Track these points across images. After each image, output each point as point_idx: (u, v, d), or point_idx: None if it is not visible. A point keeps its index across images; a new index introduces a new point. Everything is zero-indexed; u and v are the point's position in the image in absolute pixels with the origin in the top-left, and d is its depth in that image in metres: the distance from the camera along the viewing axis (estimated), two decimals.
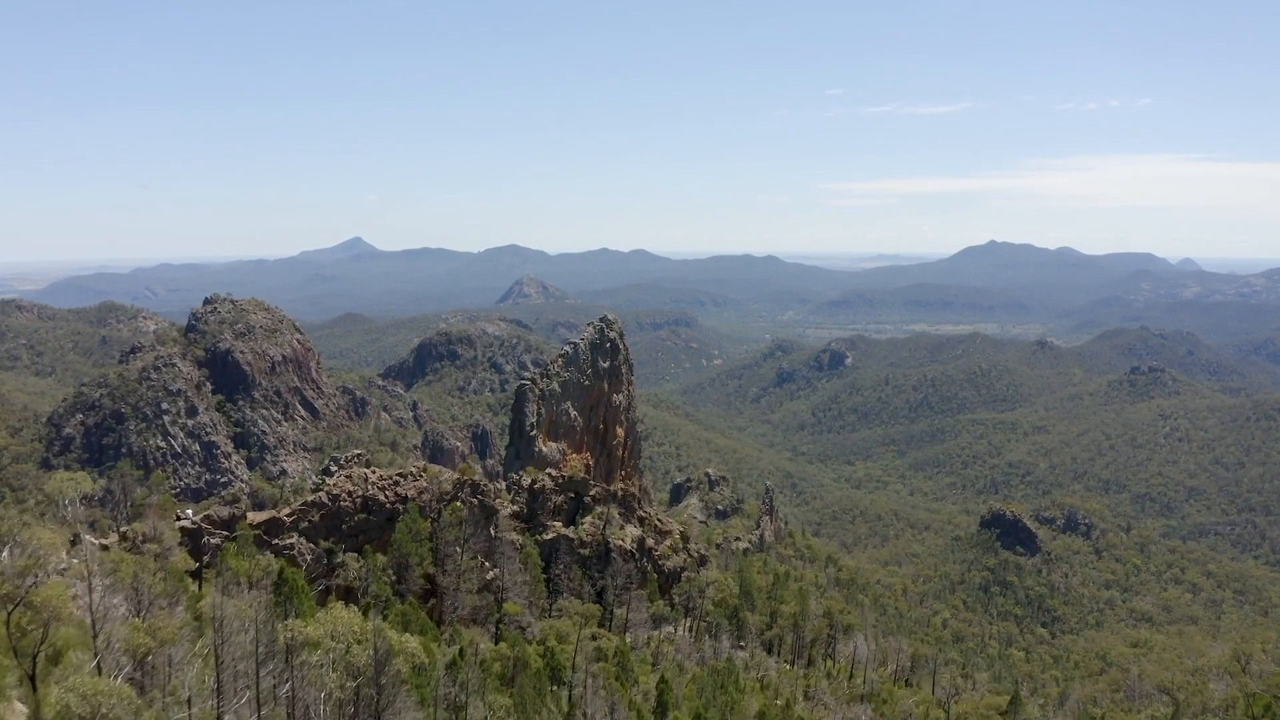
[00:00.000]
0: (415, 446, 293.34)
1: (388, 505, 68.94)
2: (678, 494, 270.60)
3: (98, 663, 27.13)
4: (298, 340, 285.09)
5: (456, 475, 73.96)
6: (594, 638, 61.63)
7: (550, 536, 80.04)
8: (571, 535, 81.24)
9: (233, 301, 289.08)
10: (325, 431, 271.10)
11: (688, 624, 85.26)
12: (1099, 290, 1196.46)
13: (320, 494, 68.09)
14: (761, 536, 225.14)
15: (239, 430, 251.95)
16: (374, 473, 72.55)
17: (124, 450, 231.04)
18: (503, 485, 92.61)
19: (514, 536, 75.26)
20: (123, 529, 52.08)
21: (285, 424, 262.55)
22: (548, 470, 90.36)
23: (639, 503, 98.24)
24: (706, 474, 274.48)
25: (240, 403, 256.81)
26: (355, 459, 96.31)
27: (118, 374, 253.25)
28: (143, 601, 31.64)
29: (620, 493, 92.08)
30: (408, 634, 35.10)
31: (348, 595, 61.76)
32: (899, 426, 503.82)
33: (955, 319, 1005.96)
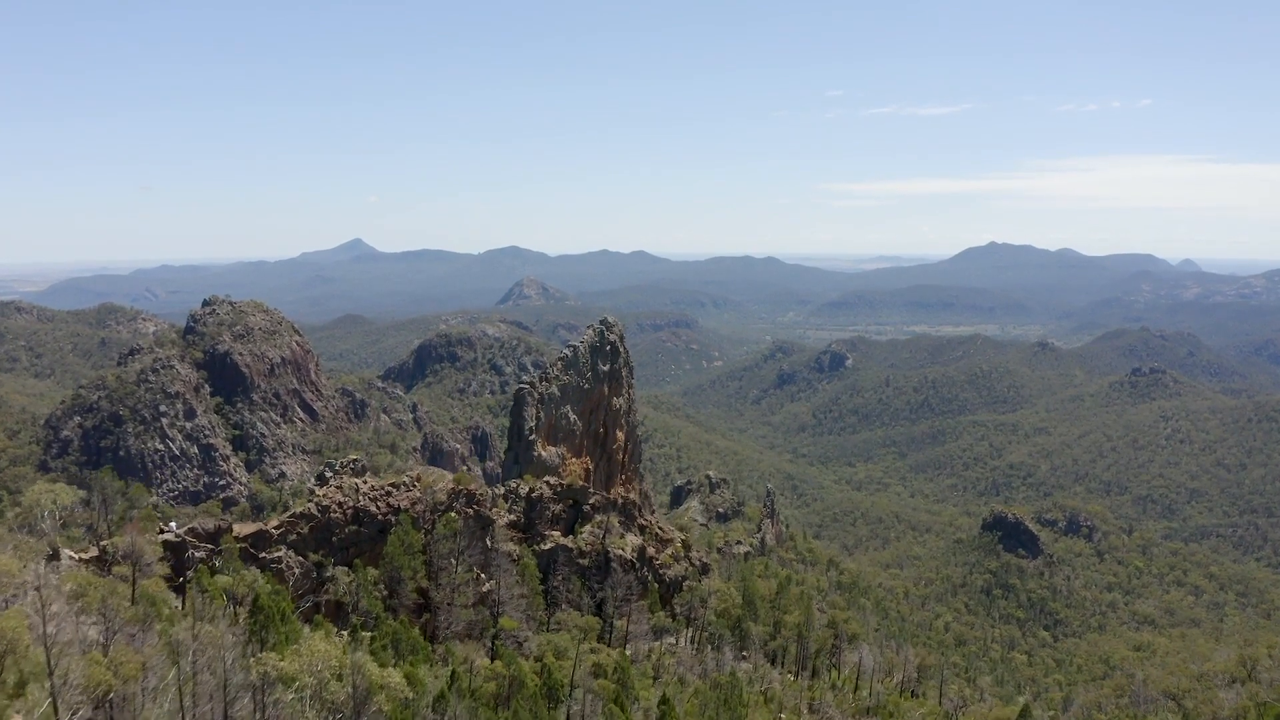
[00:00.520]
0: (415, 449, 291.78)
1: (380, 517, 67.11)
2: (678, 497, 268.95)
3: (53, 702, 25.48)
4: (296, 342, 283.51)
5: (451, 485, 72.22)
6: (593, 650, 60.05)
7: (548, 546, 78.30)
8: (570, 545, 79.50)
9: (231, 303, 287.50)
10: (324, 434, 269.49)
11: (689, 634, 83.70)
12: (1099, 291, 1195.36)
13: (310, 505, 66.37)
14: (763, 540, 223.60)
15: (237, 433, 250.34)
16: (365, 483, 70.70)
17: (122, 453, 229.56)
18: (501, 490, 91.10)
19: (511, 547, 73.52)
20: (103, 543, 50.54)
21: (284, 426, 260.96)
22: (546, 479, 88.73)
23: (639, 510, 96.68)
24: (707, 476, 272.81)
25: (239, 405, 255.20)
26: (350, 464, 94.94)
27: (116, 376, 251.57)
28: (111, 628, 29.94)
29: (620, 500, 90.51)
30: (390, 668, 33.35)
31: (338, 611, 60.18)
32: (900, 428, 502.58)
33: (956, 320, 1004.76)
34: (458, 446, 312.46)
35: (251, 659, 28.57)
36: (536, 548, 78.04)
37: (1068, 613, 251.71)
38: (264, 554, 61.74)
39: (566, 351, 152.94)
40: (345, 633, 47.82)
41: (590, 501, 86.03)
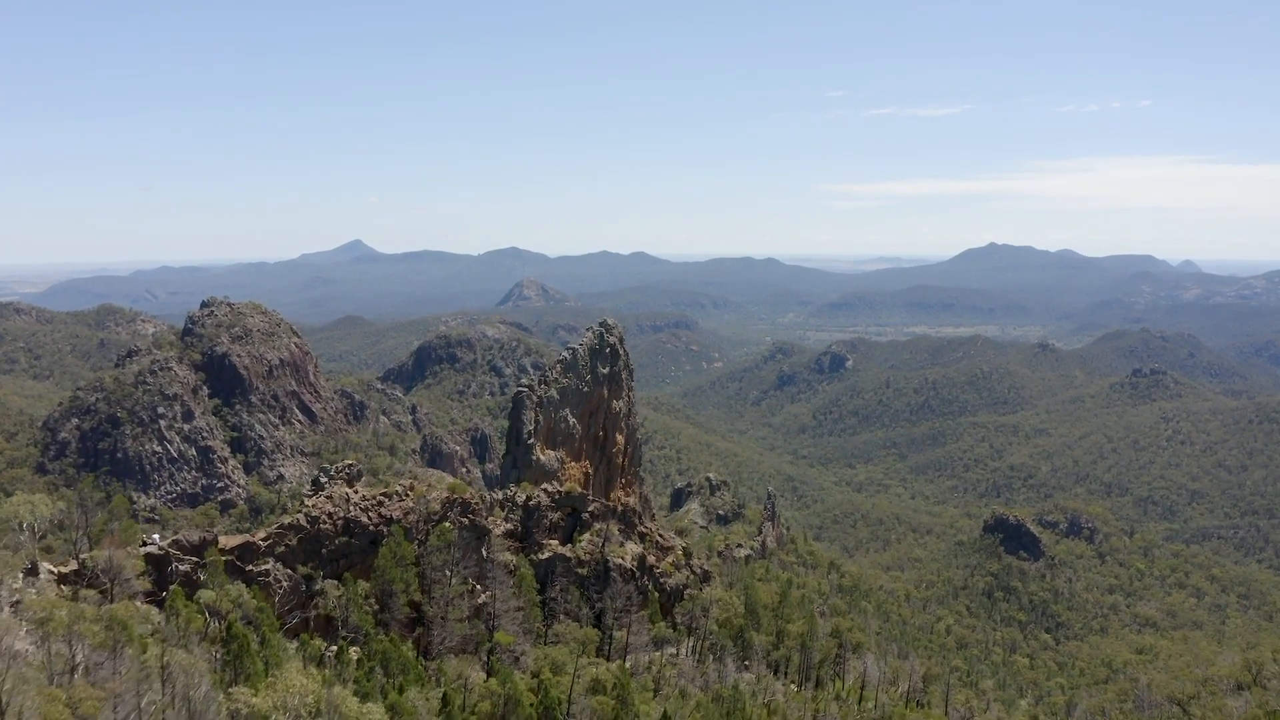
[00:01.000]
0: (414, 450, 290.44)
1: (371, 527, 65.27)
2: (678, 499, 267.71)
3: None
4: (295, 344, 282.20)
5: (445, 494, 70.45)
6: (592, 663, 58.45)
7: (546, 556, 76.53)
8: (569, 554, 77.74)
9: (230, 305, 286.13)
10: (323, 436, 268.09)
11: (691, 645, 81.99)
12: (1099, 292, 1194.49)
13: (299, 516, 64.55)
14: (763, 543, 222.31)
15: (236, 435, 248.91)
16: (356, 492, 68.94)
17: (119, 455, 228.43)
18: (499, 495, 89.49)
19: (507, 557, 71.72)
20: (81, 557, 48.95)
21: (282, 428, 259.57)
22: (543, 486, 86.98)
23: (639, 517, 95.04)
24: (707, 478, 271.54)
25: (237, 407, 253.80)
26: (345, 469, 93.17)
27: (113, 378, 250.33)
28: (75, 658, 28.28)
29: (620, 508, 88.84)
30: (372, 702, 31.72)
31: (327, 626, 58.50)
32: (900, 429, 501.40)
33: (956, 321, 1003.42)
34: (457, 448, 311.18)
35: (223, 695, 26.99)
36: (534, 557, 76.28)
37: (1069, 615, 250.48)
38: (251, 567, 59.96)
39: (565, 354, 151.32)
40: (334, 648, 46.30)
41: (589, 509, 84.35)
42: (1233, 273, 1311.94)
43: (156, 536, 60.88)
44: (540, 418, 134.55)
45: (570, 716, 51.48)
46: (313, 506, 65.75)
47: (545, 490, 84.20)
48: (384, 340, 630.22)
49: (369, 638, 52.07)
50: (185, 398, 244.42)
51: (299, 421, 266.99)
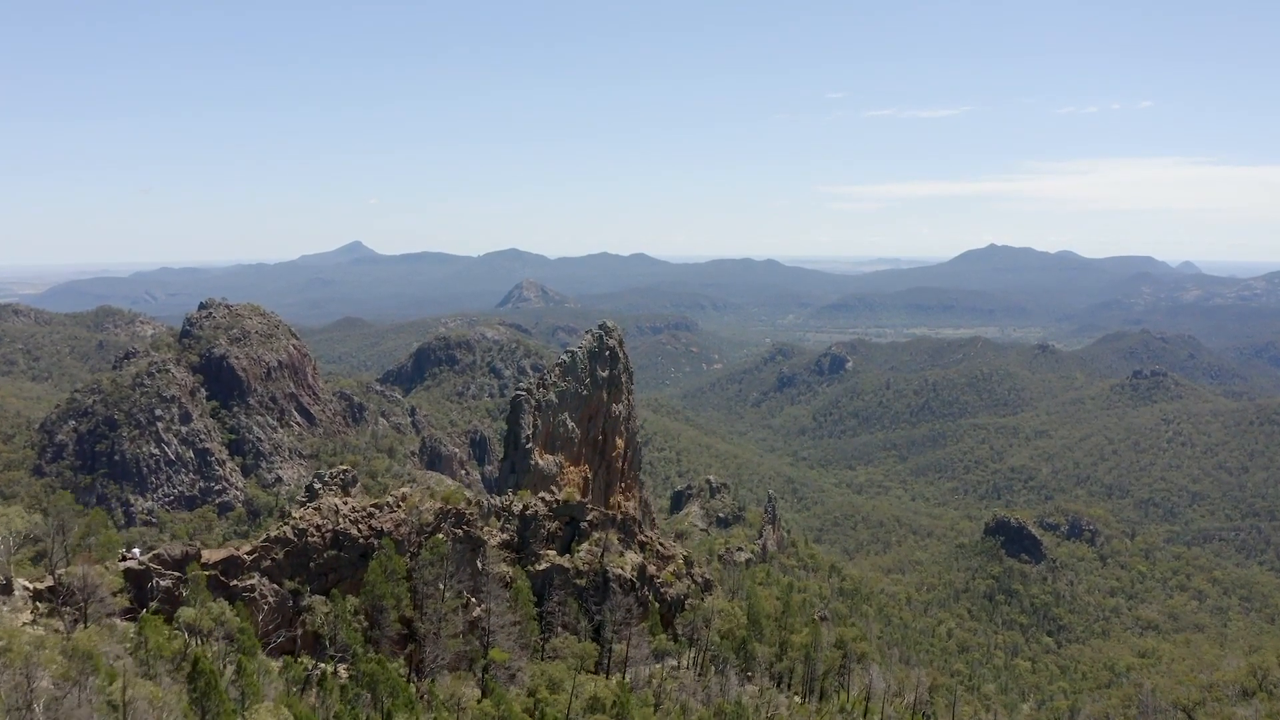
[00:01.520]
0: (413, 453, 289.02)
1: (361, 540, 63.48)
2: (678, 502, 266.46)
3: None
4: (293, 345, 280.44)
5: (439, 504, 68.73)
6: (591, 679, 56.86)
7: (543, 567, 74.83)
8: (567, 564, 76.05)
9: (228, 307, 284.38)
10: (321, 438, 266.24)
11: (692, 656, 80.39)
12: (1099, 294, 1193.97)
13: (285, 528, 62.84)
14: (764, 546, 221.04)
15: (234, 437, 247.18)
16: (346, 503, 67.18)
17: (116, 457, 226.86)
18: (496, 501, 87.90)
19: (503, 569, 69.97)
20: (58, 573, 47.32)
21: (281, 430, 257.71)
22: (540, 494, 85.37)
23: (639, 525, 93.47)
24: (707, 481, 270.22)
25: (235, 409, 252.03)
26: (341, 474, 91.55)
27: (111, 380, 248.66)
28: (34, 688, 26.52)
29: (619, 516, 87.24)
30: None
31: (315, 643, 56.87)
32: (900, 431, 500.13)
33: (955, 322, 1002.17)
34: (456, 450, 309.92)
35: None
36: (530, 568, 74.59)
37: (1071, 618, 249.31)
38: (236, 582, 58.21)
39: (565, 357, 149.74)
40: (320, 667, 44.64)
41: (588, 518, 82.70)
42: (1232, 274, 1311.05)
43: (137, 550, 59.15)
44: (539, 422, 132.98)
45: None
46: (300, 518, 64.03)
47: (542, 499, 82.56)
48: (383, 342, 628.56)
49: (357, 657, 50.46)
50: (183, 400, 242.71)
51: (297, 423, 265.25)
